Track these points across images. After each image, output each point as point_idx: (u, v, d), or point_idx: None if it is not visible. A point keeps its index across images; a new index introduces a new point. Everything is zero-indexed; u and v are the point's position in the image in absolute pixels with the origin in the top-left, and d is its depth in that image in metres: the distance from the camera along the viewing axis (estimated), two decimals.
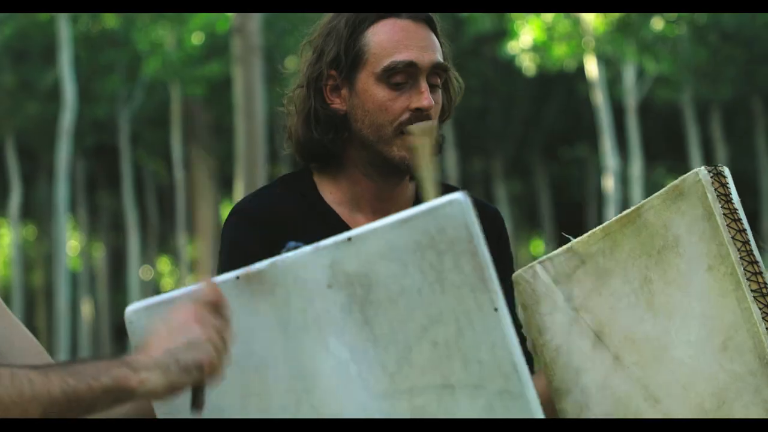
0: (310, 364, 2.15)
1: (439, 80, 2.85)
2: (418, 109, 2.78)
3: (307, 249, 2.15)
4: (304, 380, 2.16)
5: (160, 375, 2.02)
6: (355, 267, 2.12)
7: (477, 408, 2.08)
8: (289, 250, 2.18)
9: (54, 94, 30.71)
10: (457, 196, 2.07)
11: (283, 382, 2.17)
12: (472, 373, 2.08)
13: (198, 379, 2.05)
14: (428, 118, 2.79)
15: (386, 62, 2.78)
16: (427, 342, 2.10)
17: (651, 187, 33.65)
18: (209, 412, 2.18)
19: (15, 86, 31.72)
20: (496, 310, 2.06)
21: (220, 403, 2.20)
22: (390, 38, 2.80)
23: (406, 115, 2.79)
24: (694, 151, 30.44)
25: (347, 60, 2.81)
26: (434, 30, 2.86)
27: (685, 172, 2.54)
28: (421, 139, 2.65)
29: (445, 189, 2.93)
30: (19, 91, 31.81)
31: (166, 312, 2.16)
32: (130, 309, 2.24)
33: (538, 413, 2.07)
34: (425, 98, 2.78)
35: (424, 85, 2.79)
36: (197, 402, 2.08)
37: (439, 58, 2.83)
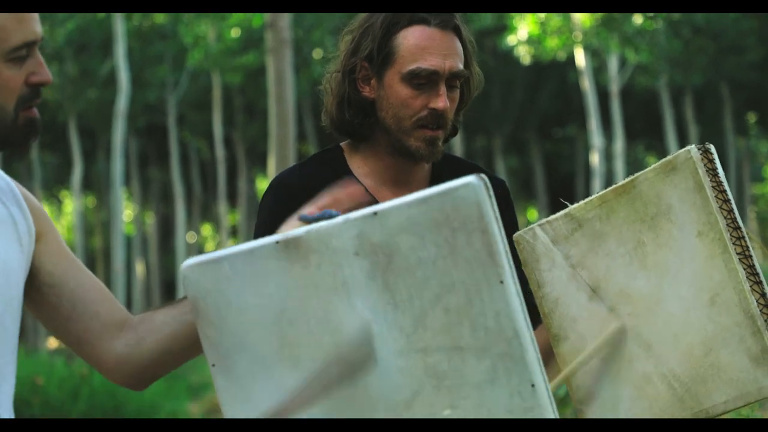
0: (337, 321, 2.14)
1: (458, 81, 2.84)
2: (434, 109, 2.79)
3: (338, 220, 2.13)
4: (331, 335, 2.15)
5: None
6: (379, 238, 2.11)
7: (482, 368, 2.07)
8: (326, 217, 2.17)
9: (111, 82, 30.81)
10: (471, 179, 2.04)
11: (314, 335, 2.16)
12: (479, 337, 2.07)
13: None
14: (443, 116, 2.80)
15: (412, 66, 2.78)
16: (440, 308, 2.09)
17: (631, 162, 33.67)
18: (253, 356, 2.19)
19: (77, 75, 31.78)
20: (501, 282, 2.04)
21: (260, 351, 2.19)
22: (418, 44, 2.79)
23: (424, 112, 2.80)
24: (670, 131, 30.39)
25: (379, 57, 2.81)
26: (460, 36, 2.85)
27: (662, 150, 2.52)
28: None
29: (470, 168, 2.95)
30: (80, 79, 31.86)
31: (217, 269, 2.16)
32: (186, 265, 2.22)
33: (537, 374, 2.06)
34: (441, 101, 2.78)
35: (442, 89, 2.79)
36: None
37: (459, 65, 2.81)
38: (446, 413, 2.10)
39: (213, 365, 2.23)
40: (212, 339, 2.21)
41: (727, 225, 2.41)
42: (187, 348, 2.40)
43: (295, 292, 2.15)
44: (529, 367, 2.05)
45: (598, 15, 25.12)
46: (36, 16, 2.15)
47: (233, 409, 2.22)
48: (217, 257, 2.20)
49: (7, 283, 2.23)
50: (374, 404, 2.13)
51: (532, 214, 41.39)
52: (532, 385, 2.05)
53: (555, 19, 25.77)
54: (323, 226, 2.14)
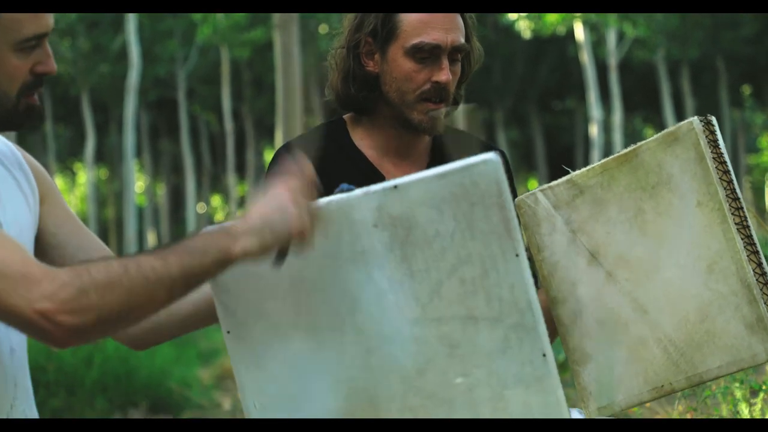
0: (354, 290, 2.15)
1: (459, 55, 2.83)
2: (437, 82, 2.78)
3: (358, 192, 2.14)
4: (348, 303, 2.16)
5: (256, 239, 2.02)
6: (399, 211, 2.11)
7: (495, 338, 2.09)
8: (342, 191, 2.17)
9: (122, 56, 30.77)
10: (491, 156, 2.05)
11: (331, 304, 2.17)
12: (493, 308, 2.09)
13: (285, 244, 2.06)
14: (446, 89, 2.79)
15: (415, 41, 2.77)
16: (456, 279, 2.10)
17: (629, 133, 33.62)
18: (269, 323, 2.19)
19: (89, 50, 31.72)
20: (517, 255, 2.06)
21: (277, 319, 2.19)
22: (420, 19, 2.78)
23: (427, 86, 2.79)
24: (667, 104, 30.31)
25: (383, 32, 2.81)
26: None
27: (659, 122, 2.51)
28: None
29: (470, 139, 2.93)
30: (93, 54, 31.81)
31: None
32: (204, 233, 2.20)
33: (547, 345, 2.08)
34: (444, 74, 2.78)
35: (445, 63, 2.78)
36: (279, 260, 2.10)
37: (461, 39, 2.81)
38: (458, 381, 2.11)
39: (228, 332, 2.23)
40: (228, 306, 2.21)
41: (727, 196, 2.40)
42: (193, 316, 2.40)
43: (314, 261, 2.15)
44: (541, 337, 2.07)
45: None
46: None
47: (247, 376, 2.22)
48: None
49: (20, 241, 2.22)
50: (388, 371, 2.14)
51: (533, 185, 41.35)
52: (544, 355, 2.07)
53: None
54: (343, 197, 2.14)
